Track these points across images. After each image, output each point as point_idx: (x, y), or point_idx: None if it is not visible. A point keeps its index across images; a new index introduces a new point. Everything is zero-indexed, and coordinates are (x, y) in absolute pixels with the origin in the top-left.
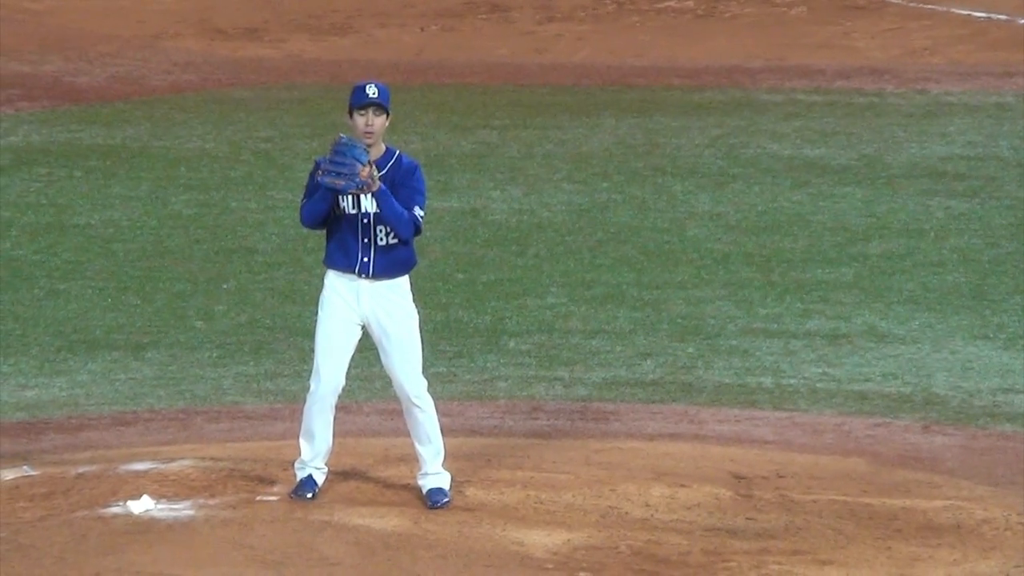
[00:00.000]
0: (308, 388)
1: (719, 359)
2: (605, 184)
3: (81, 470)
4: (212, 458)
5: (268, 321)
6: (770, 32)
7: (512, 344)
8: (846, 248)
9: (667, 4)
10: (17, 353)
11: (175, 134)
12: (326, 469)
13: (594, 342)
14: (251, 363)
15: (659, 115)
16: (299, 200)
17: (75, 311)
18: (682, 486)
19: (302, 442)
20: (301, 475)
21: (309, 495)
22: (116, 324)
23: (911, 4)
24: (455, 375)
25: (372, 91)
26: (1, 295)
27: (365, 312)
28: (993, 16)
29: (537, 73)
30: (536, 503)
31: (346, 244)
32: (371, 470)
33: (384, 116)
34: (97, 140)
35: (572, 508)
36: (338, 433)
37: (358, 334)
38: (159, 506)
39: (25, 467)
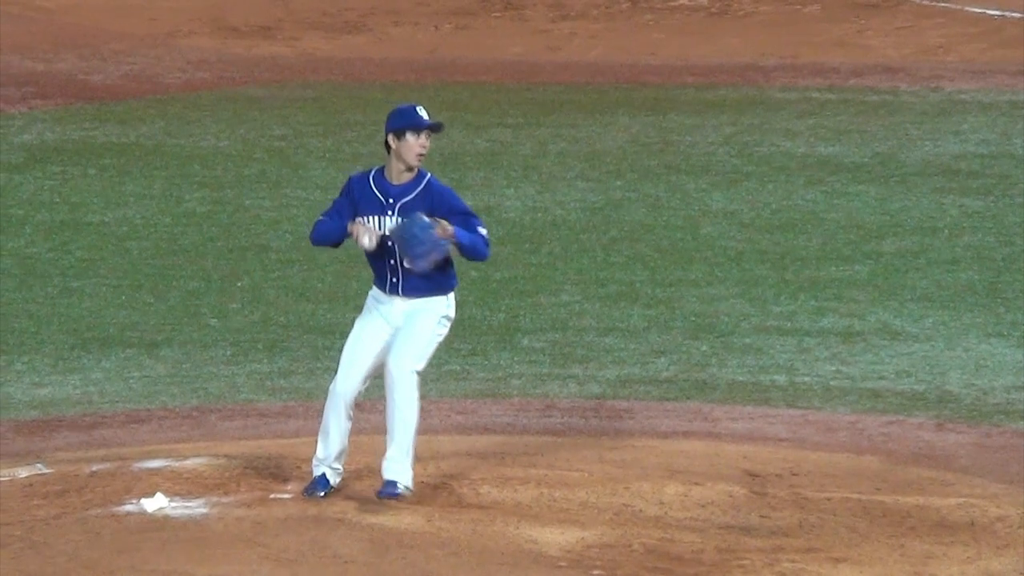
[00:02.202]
0: (330, 385)
1: (733, 357)
2: (619, 182)
3: (95, 468)
4: (226, 456)
5: (282, 319)
6: (784, 30)
7: (526, 342)
8: (860, 246)
9: (681, 2)
10: (31, 351)
11: (189, 132)
12: (341, 470)
13: (608, 340)
14: (265, 361)
15: (673, 113)
16: (318, 214)
17: (89, 309)
18: (696, 484)
19: (319, 439)
20: (315, 473)
21: (321, 494)
22: (130, 322)
23: (925, 2)
24: (469, 373)
25: (427, 115)
26: (15, 293)
27: (399, 325)
28: (1007, 14)
29: (551, 71)
30: (550, 501)
31: (376, 264)
32: None
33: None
34: (111, 138)
35: (586, 506)
36: (352, 431)
37: (384, 346)
38: (173, 504)
39: (39, 465)
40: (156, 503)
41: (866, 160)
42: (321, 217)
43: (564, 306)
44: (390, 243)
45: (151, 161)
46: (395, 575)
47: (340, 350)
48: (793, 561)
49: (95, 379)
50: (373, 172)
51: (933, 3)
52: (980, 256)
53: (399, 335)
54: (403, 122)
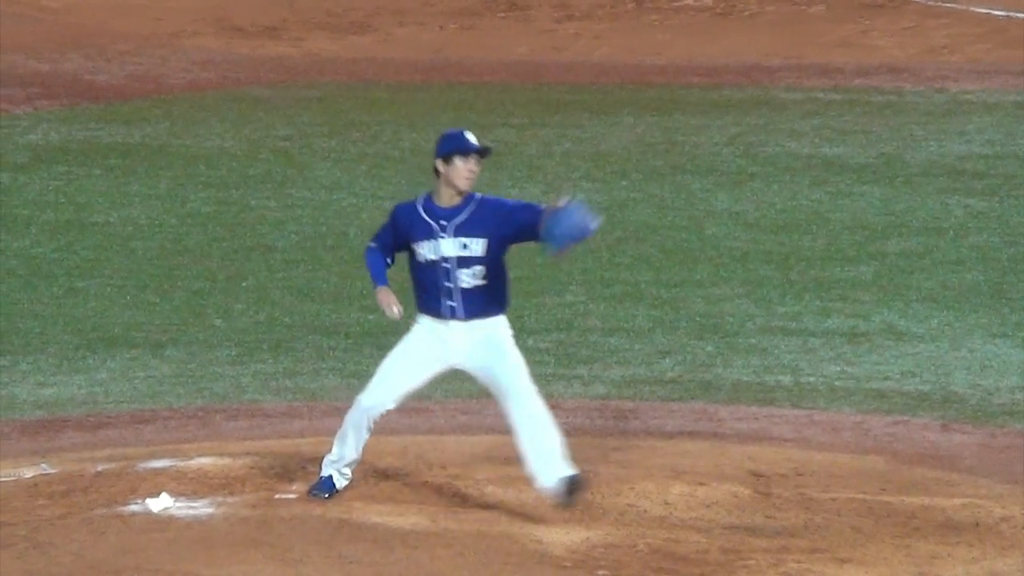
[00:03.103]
0: (359, 397)
1: (738, 357)
2: (624, 182)
3: (100, 468)
4: (231, 456)
5: (287, 319)
6: (789, 30)
7: (531, 342)
8: (865, 246)
9: (686, 2)
10: (36, 351)
11: (194, 132)
12: (350, 476)
13: (613, 340)
14: (270, 361)
15: (678, 113)
16: (369, 240)
17: (94, 309)
18: (701, 484)
19: (336, 442)
20: (323, 473)
21: (325, 495)
22: (135, 322)
23: (930, 2)
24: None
25: (475, 139)
26: (20, 293)
27: (459, 358)
28: (1012, 14)
29: (556, 71)
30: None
31: (430, 290)
32: (390, 468)
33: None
34: (116, 138)
35: (590, 506)
36: None
37: (429, 375)
38: (178, 504)
39: (44, 465)
40: (161, 503)
41: (871, 160)
42: (371, 244)
43: (569, 306)
44: (447, 266)
45: (156, 161)
46: (400, 575)
47: (344, 351)
48: (798, 561)
49: (100, 379)
50: (421, 199)
51: (938, 3)
52: (985, 257)
53: (500, 378)
54: (451, 147)
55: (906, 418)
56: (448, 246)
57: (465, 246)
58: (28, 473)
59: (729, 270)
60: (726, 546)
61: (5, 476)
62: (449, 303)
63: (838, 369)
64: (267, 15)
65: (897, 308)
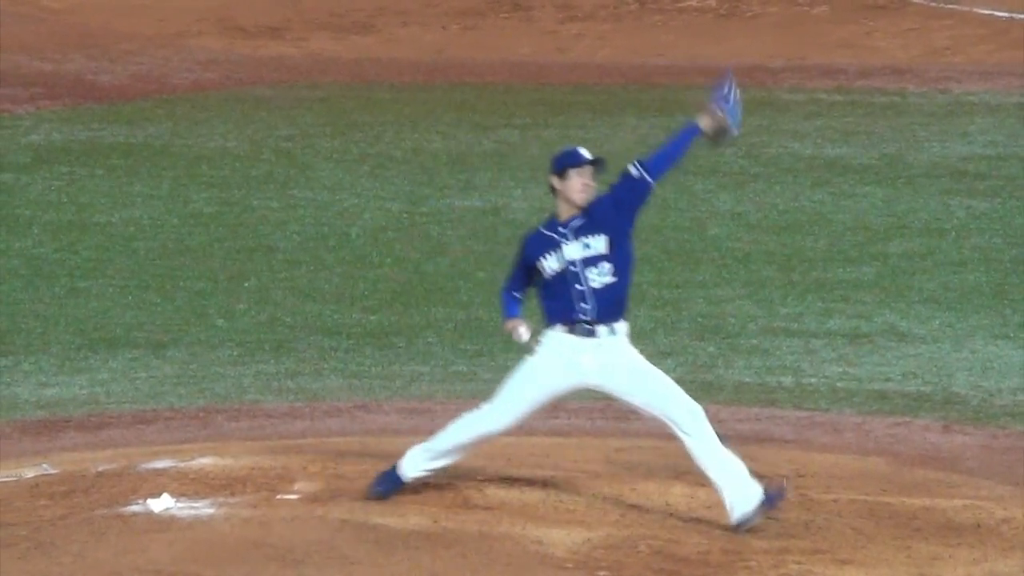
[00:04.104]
0: (479, 408)
1: (739, 358)
2: None
3: (101, 468)
4: (232, 456)
5: (288, 319)
6: (792, 31)
7: (533, 343)
8: (867, 247)
9: (689, 3)
10: (38, 351)
11: (196, 133)
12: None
13: None
14: (271, 361)
15: (680, 114)
16: (503, 279)
17: (96, 309)
18: (702, 485)
19: (429, 449)
20: (405, 473)
21: (383, 494)
22: (137, 322)
23: (932, 4)
24: (475, 374)
25: (588, 152)
26: (22, 293)
27: (595, 380)
28: (1015, 16)
29: (559, 72)
30: (556, 502)
31: (562, 298)
32: None
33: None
34: (118, 138)
35: (592, 507)
36: (357, 432)
37: (557, 397)
38: (179, 504)
39: (45, 465)
40: (162, 503)
41: (873, 161)
42: (504, 286)
43: None
44: (574, 268)
45: (158, 162)
46: None
47: (346, 351)
48: (799, 563)
49: (102, 379)
50: (543, 223)
51: (941, 4)
52: (987, 258)
53: (642, 392)
54: (565, 162)
55: (907, 419)
56: (571, 250)
57: (587, 246)
58: (29, 473)
59: (731, 271)
60: (727, 547)
61: (6, 476)
62: (583, 305)
63: (840, 370)
64: (270, 15)
65: (899, 309)
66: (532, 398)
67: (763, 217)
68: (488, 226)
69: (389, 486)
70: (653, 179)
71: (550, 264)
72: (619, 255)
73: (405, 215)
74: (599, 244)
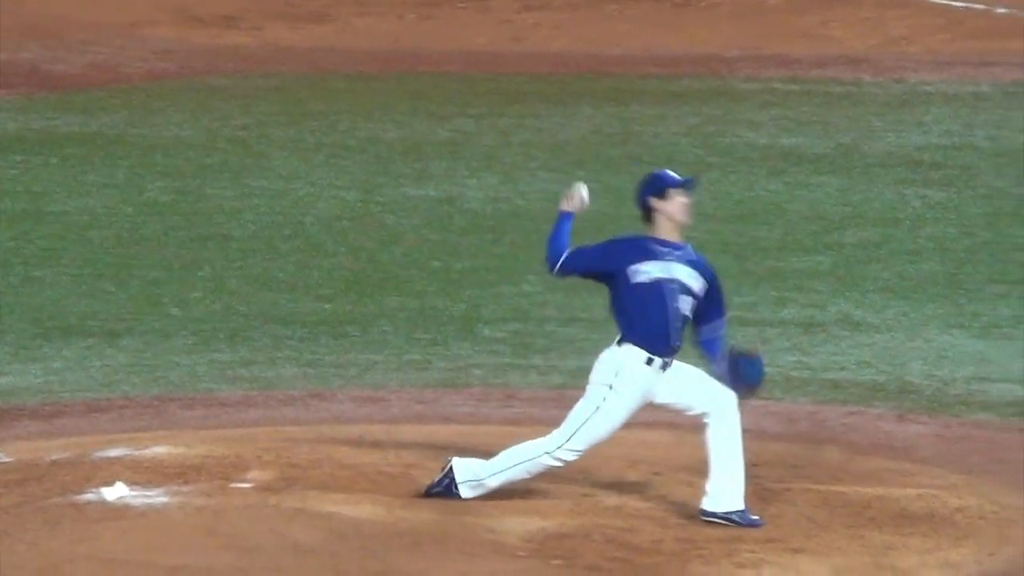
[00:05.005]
0: (550, 450)
1: (694, 347)
2: (581, 172)
3: (55, 457)
4: (186, 445)
5: (243, 308)
6: (748, 21)
7: (487, 332)
8: (822, 237)
9: None
10: None
11: (151, 122)
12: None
13: (569, 330)
14: (226, 350)
15: (636, 104)
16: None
17: (50, 298)
18: (656, 474)
19: (495, 476)
20: (461, 487)
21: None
22: (91, 311)
23: None
24: (430, 363)
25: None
26: None
27: (657, 399)
28: (971, 5)
29: (514, 61)
30: (510, 491)
31: (657, 314)
32: (345, 457)
33: None
34: (73, 128)
35: (546, 496)
36: (312, 420)
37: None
38: (133, 493)
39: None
40: (116, 492)
41: (828, 151)
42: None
43: (526, 296)
44: (671, 285)
45: (113, 151)
46: (354, 565)
47: (300, 340)
48: (752, 551)
49: (56, 368)
50: (638, 237)
51: None
52: (942, 247)
53: (696, 401)
54: (665, 182)
55: (861, 408)
56: (679, 270)
57: (693, 276)
58: None
59: None
60: (681, 536)
61: None
62: (676, 326)
63: (794, 359)
64: (226, 5)
65: (853, 298)
66: (608, 434)
67: (718, 206)
68: (443, 215)
69: (447, 490)
70: (720, 315)
71: (648, 270)
72: (698, 304)
73: (360, 204)
74: (698, 284)
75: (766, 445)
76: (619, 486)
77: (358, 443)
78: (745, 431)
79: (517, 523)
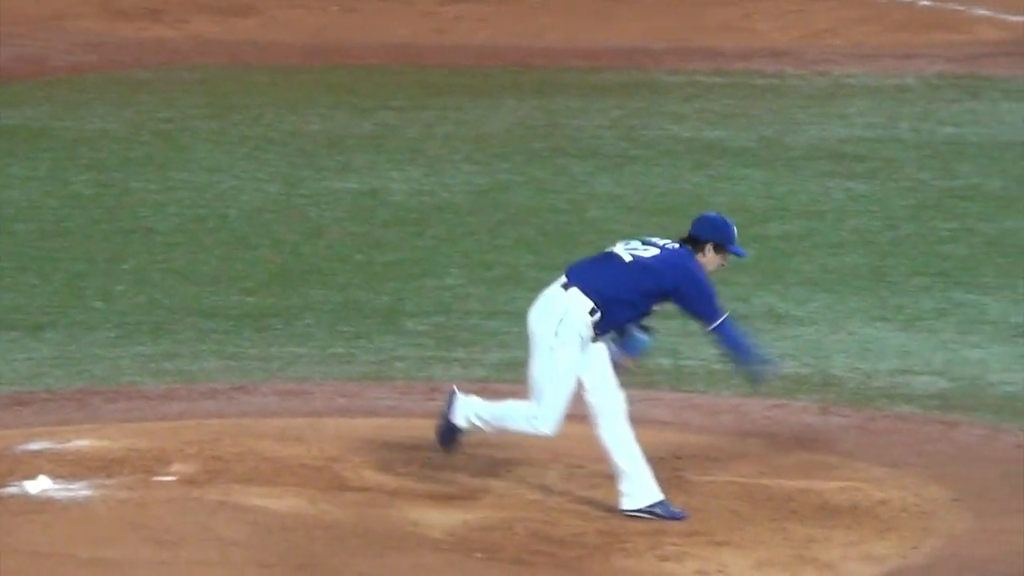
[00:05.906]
0: (532, 416)
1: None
2: (505, 165)
3: None
4: (109, 438)
5: (167, 301)
6: (672, 13)
7: (410, 325)
8: (746, 229)
9: None
10: None
11: (76, 115)
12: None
13: (493, 323)
14: (149, 343)
15: (560, 96)
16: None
17: None
18: (578, 467)
19: (491, 414)
20: (456, 421)
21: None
22: (14, 304)
23: None
24: (353, 356)
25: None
26: None
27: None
28: None
29: (437, 54)
30: (433, 484)
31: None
32: (268, 451)
33: None
34: None
35: (468, 489)
36: (235, 413)
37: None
38: (56, 486)
39: None
40: (39, 485)
41: (752, 144)
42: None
43: (449, 289)
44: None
45: (37, 143)
46: (278, 557)
47: (224, 333)
48: (675, 544)
49: None
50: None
51: None
52: (865, 240)
53: (597, 371)
54: (729, 245)
55: (785, 401)
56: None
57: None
58: None
59: None
60: (603, 529)
61: None
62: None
63: (717, 352)
64: None
65: (777, 291)
66: (570, 384)
67: (642, 199)
68: (366, 208)
69: (448, 438)
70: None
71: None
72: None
73: (283, 197)
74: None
75: (689, 438)
76: (541, 479)
77: (281, 436)
78: (657, 423)
79: (439, 515)
